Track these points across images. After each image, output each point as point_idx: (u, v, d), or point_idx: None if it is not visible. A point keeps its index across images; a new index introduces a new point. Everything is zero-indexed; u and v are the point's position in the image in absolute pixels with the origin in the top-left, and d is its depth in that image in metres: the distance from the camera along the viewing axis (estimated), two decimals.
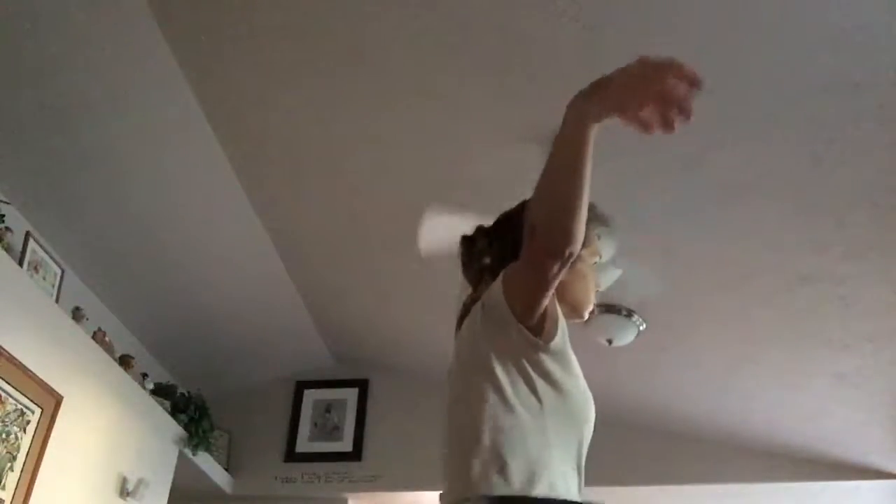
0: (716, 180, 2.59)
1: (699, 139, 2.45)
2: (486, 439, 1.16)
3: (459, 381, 1.27)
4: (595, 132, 1.09)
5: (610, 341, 3.26)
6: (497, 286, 1.24)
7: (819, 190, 2.54)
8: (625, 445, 4.09)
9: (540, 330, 1.22)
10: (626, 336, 3.30)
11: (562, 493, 1.15)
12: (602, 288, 2.67)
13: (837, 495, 4.14)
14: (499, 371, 1.20)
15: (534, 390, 1.20)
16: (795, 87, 2.20)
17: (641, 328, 3.34)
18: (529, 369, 1.21)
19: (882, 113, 2.22)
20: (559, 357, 1.24)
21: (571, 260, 1.13)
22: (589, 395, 1.29)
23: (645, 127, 1.04)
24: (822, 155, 2.41)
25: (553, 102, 2.32)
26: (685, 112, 1.01)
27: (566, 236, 1.11)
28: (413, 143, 2.74)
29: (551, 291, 1.19)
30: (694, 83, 1.00)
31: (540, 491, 1.12)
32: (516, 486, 1.12)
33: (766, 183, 2.57)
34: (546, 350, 1.22)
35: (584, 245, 1.15)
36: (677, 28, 2.08)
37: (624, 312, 3.27)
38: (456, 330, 1.39)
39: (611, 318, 3.24)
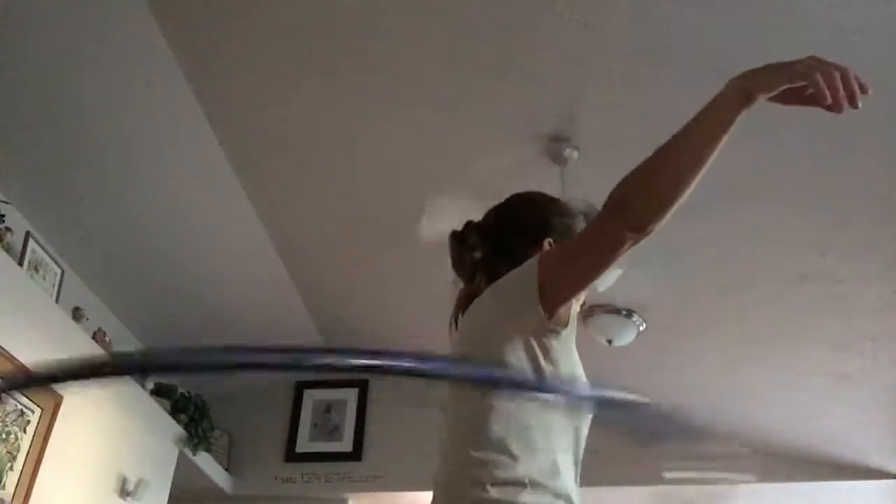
0: (716, 180, 2.58)
1: None
2: (492, 428, 1.15)
3: None
4: (741, 117, 1.06)
5: (610, 341, 3.25)
6: (525, 270, 1.20)
7: (819, 190, 2.54)
8: (624, 445, 4.08)
9: (551, 317, 1.19)
10: (626, 336, 3.30)
11: (565, 482, 1.15)
12: (601, 288, 2.68)
13: (837, 495, 4.14)
14: (509, 359, 1.18)
15: (542, 379, 1.19)
16: None
17: (641, 328, 3.34)
18: (539, 356, 1.19)
19: (882, 113, 2.22)
20: (566, 346, 1.23)
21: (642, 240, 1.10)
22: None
23: (814, 99, 1.02)
24: (823, 155, 2.41)
25: (553, 102, 2.34)
26: (853, 100, 1.00)
27: (658, 214, 1.08)
28: (413, 143, 2.74)
29: (604, 273, 1.16)
30: (863, 88, 1.00)
31: (545, 481, 1.12)
32: (521, 476, 1.12)
33: (767, 183, 2.57)
34: (558, 336, 1.20)
35: None
36: (677, 28, 2.08)
37: (624, 312, 3.27)
38: (451, 325, 1.38)
39: (611, 318, 3.24)
